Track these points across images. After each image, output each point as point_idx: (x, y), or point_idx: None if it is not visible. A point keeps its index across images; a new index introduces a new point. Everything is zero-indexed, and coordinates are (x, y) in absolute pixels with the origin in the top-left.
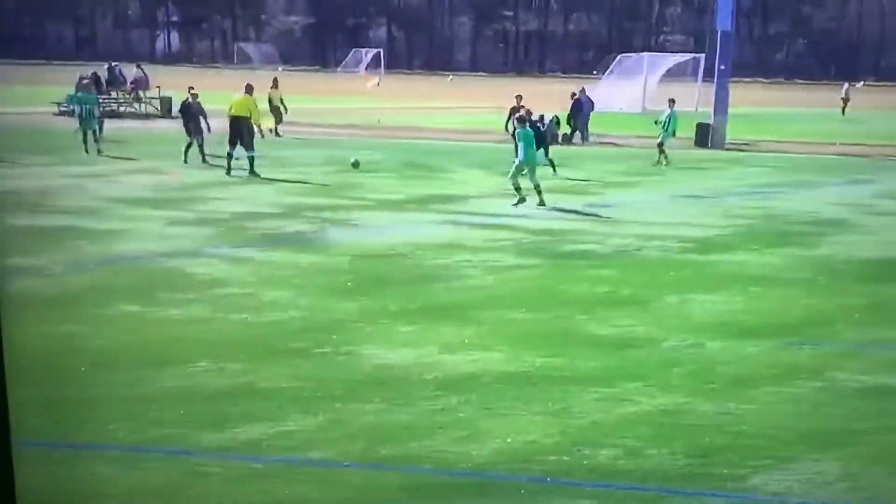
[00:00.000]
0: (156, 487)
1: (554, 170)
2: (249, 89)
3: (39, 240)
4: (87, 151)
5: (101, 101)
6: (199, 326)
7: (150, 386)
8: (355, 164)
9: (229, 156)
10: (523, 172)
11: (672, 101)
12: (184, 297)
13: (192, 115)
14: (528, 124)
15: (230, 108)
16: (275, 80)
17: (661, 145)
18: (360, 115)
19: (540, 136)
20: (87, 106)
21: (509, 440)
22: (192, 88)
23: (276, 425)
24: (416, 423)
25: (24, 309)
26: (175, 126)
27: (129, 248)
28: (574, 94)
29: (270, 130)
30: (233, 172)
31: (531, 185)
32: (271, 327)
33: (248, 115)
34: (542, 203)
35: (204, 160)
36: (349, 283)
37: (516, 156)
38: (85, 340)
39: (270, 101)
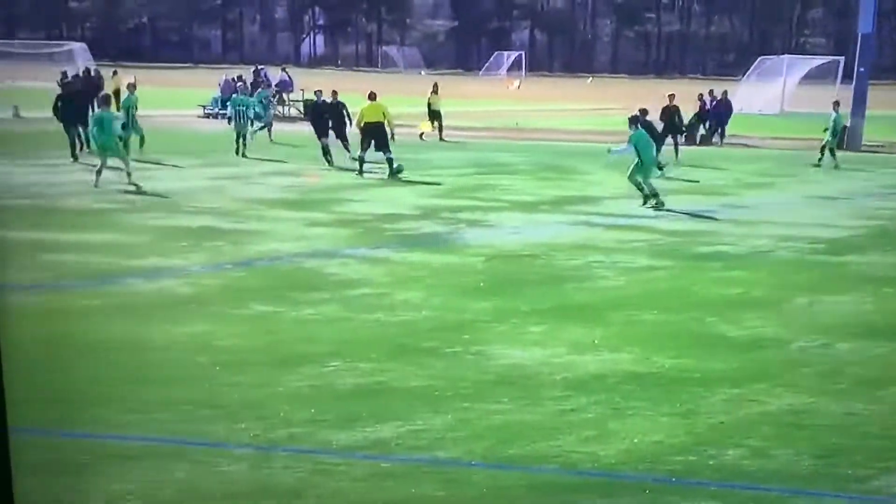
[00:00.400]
0: (283, 486)
1: (661, 170)
2: (373, 96)
3: (179, 240)
4: (236, 153)
5: (266, 101)
6: (333, 326)
7: (282, 385)
8: (398, 170)
9: (361, 159)
10: (657, 175)
11: (836, 104)
12: (319, 297)
13: (322, 115)
14: (640, 125)
15: (361, 116)
16: (435, 85)
17: (825, 148)
18: (499, 118)
19: (654, 136)
20: (241, 108)
21: (636, 440)
22: (335, 92)
23: (405, 424)
24: (544, 423)
25: (156, 308)
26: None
27: (266, 249)
28: (701, 96)
29: (421, 135)
30: (370, 175)
31: (648, 186)
32: (404, 327)
33: (381, 120)
34: (646, 203)
35: (330, 163)
36: (481, 284)
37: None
38: (218, 340)
39: (430, 106)
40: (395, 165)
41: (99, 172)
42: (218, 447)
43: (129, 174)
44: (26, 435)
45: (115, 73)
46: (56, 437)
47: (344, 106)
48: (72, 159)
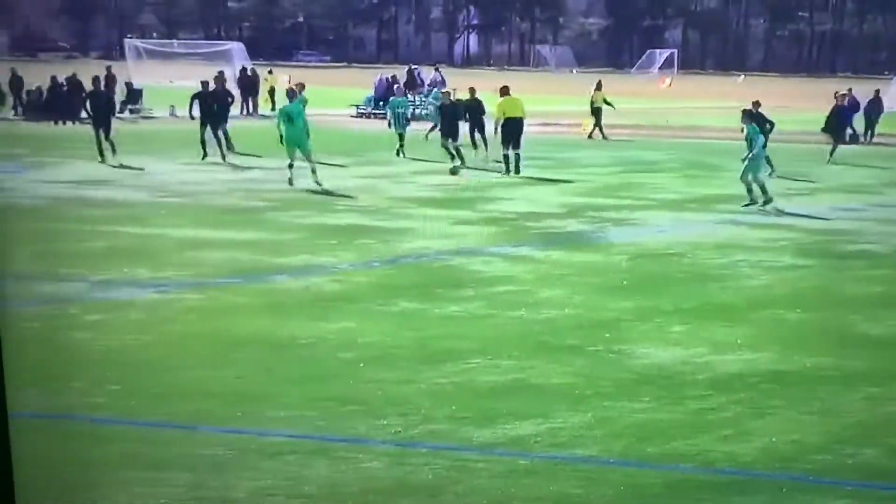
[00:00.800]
0: (422, 482)
1: (772, 168)
2: (506, 90)
3: (328, 238)
4: (397, 154)
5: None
6: (477, 323)
7: (424, 382)
8: (454, 171)
9: (506, 157)
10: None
11: None
12: (464, 295)
13: (450, 116)
14: (753, 121)
15: (502, 111)
16: (598, 82)
17: None
18: (649, 116)
19: (763, 130)
20: (399, 110)
21: (774, 439)
22: (473, 90)
23: (544, 422)
24: (683, 422)
25: (303, 305)
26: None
27: (413, 247)
28: (837, 94)
29: (589, 136)
30: (516, 173)
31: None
32: (546, 324)
33: (521, 115)
34: (767, 202)
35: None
36: (625, 282)
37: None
38: (363, 336)
39: (592, 104)
40: (452, 167)
41: (290, 167)
42: (359, 443)
43: (313, 170)
44: (170, 429)
45: (270, 72)
46: (201, 431)
47: (480, 104)
48: (203, 154)
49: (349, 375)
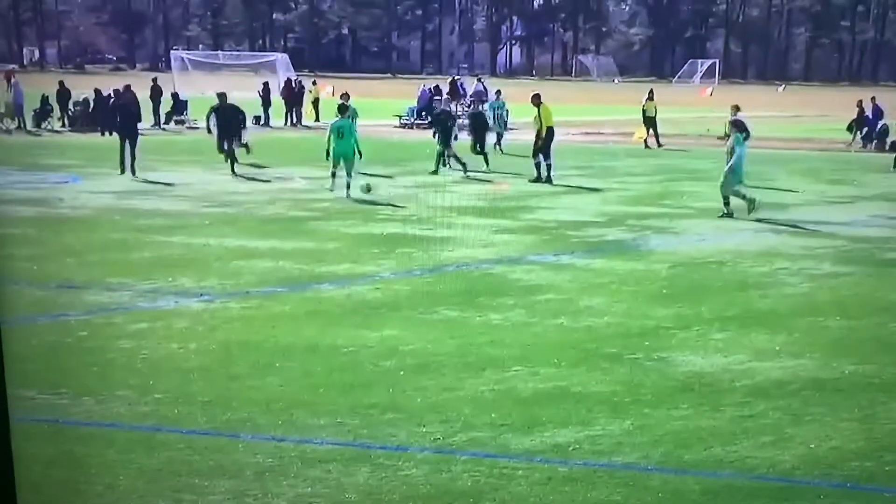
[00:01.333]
0: (462, 489)
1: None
2: (539, 99)
3: (371, 247)
4: (445, 164)
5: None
6: (518, 331)
7: (465, 389)
8: (365, 188)
9: (539, 166)
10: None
11: None
12: (505, 303)
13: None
14: (740, 130)
15: (546, 119)
16: (650, 91)
17: None
18: (691, 125)
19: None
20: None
21: (812, 446)
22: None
23: (584, 429)
24: (722, 429)
25: (346, 314)
26: (510, 137)
27: (454, 256)
28: (860, 102)
29: (646, 144)
30: (556, 182)
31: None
32: (586, 332)
33: (553, 123)
34: (752, 209)
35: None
36: (665, 290)
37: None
38: (405, 344)
39: (644, 113)
40: (364, 184)
41: (333, 175)
42: (400, 451)
43: (348, 184)
44: (213, 437)
45: (314, 82)
46: (242, 440)
47: (484, 116)
48: (231, 174)
49: (390, 383)
